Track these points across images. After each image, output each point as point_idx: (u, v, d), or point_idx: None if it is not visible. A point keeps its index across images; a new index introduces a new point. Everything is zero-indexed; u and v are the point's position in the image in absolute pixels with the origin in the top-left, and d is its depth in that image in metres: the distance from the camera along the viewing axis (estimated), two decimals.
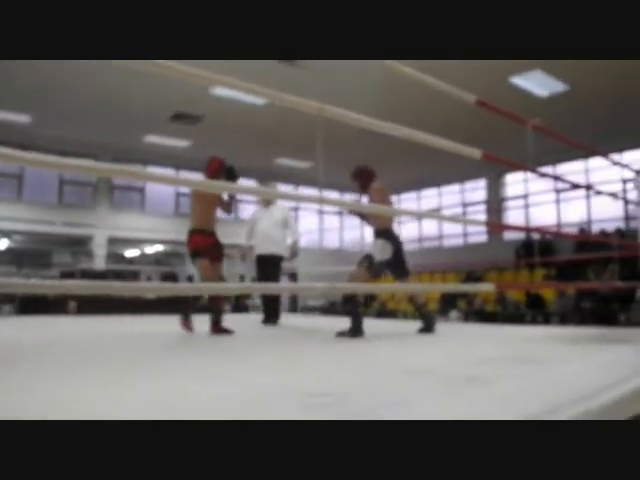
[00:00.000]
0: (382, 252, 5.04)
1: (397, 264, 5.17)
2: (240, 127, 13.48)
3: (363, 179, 5.28)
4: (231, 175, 5.28)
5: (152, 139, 14.64)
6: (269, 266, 7.03)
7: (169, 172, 15.79)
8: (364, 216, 5.39)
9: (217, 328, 4.92)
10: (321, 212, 19.06)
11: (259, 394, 1.96)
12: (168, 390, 2.07)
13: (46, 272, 17.35)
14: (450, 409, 1.71)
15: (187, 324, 5.11)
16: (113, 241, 16.09)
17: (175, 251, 19.80)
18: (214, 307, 4.98)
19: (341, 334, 4.71)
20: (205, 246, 5.00)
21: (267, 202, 7.12)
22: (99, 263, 15.51)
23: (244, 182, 17.68)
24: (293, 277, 10.32)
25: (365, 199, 5.27)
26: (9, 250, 17.53)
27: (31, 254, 18.68)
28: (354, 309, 4.83)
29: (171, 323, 5.60)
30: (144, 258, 20.34)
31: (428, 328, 5.11)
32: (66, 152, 14.14)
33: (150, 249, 19.47)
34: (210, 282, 4.66)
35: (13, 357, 3.30)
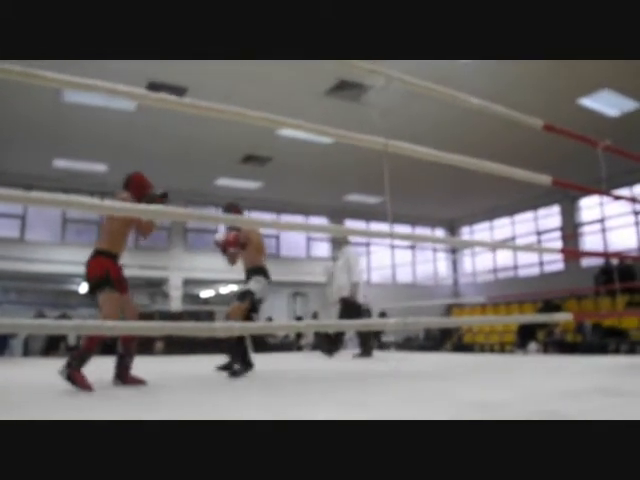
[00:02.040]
0: (263, 290, 5.29)
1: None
2: (309, 166, 13.69)
3: (234, 212, 5.50)
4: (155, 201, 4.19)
5: (223, 182, 14.99)
6: (342, 308, 7.92)
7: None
8: (237, 250, 5.53)
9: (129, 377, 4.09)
10: (392, 247, 18.93)
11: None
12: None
13: None
14: None
15: (81, 378, 3.59)
16: (188, 282, 16.40)
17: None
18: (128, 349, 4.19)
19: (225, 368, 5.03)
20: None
21: (338, 245, 7.88)
22: (175, 304, 15.82)
23: (316, 220, 17.88)
24: (366, 313, 10.46)
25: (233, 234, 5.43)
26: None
27: None
28: (236, 345, 5.00)
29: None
30: (219, 298, 20.62)
31: (233, 369, 4.91)
32: None
33: (224, 289, 19.75)
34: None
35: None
